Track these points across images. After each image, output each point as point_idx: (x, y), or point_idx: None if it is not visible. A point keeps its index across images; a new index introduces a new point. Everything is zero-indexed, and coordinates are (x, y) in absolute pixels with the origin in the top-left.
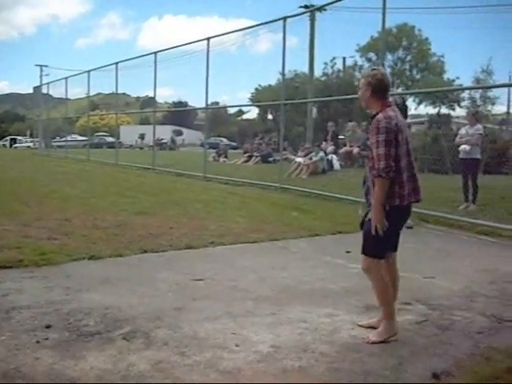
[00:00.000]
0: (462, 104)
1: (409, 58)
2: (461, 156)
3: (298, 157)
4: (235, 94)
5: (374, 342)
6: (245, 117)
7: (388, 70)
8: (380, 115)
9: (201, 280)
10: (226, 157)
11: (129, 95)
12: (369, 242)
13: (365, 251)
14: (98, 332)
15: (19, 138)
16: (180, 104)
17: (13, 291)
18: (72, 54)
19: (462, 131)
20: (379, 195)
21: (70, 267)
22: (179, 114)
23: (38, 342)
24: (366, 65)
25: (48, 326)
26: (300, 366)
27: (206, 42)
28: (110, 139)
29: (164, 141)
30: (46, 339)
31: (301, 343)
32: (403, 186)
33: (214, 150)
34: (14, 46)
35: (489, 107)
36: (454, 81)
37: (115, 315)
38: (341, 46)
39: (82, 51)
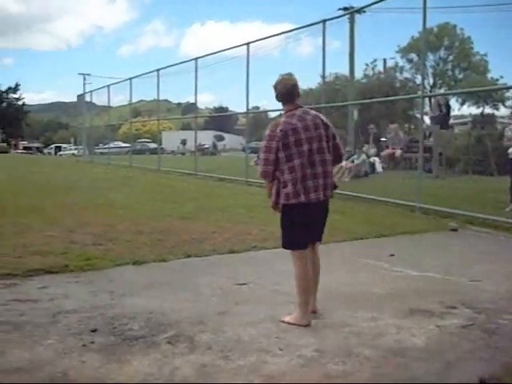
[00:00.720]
0: (507, 103)
1: (451, 57)
2: (510, 156)
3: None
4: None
5: (283, 321)
6: None
7: (430, 70)
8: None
9: (244, 284)
10: None
11: (170, 101)
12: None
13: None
14: (143, 336)
15: (64, 145)
16: (221, 109)
17: (59, 296)
18: (115, 63)
19: (508, 133)
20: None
21: (115, 272)
22: (220, 119)
23: (84, 345)
24: (407, 66)
25: (94, 330)
26: (344, 370)
27: (246, 47)
28: (152, 145)
29: (206, 146)
30: (92, 343)
31: (345, 347)
32: (286, 185)
33: (256, 155)
34: (60, 57)
35: None
36: (497, 80)
37: (159, 319)
38: (381, 47)
39: (125, 59)
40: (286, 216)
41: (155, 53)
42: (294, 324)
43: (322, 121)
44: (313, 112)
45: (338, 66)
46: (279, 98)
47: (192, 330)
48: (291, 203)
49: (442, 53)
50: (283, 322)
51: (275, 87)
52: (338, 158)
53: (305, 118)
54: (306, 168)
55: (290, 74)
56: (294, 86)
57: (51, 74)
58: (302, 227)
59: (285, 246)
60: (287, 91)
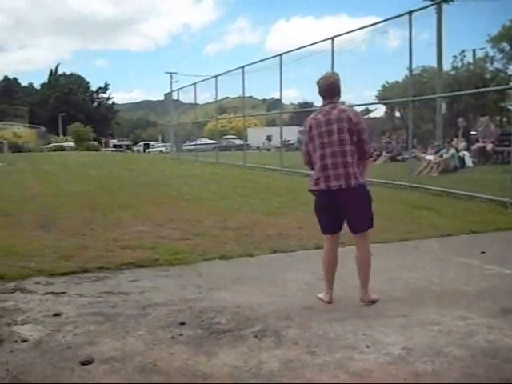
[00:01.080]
0: None
1: None
2: None
3: (428, 154)
4: (361, 92)
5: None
6: (371, 115)
7: None
8: None
9: None
10: None
11: (255, 98)
12: None
13: None
14: (230, 330)
15: (152, 143)
16: (306, 105)
17: (149, 289)
18: (202, 61)
19: None
20: None
21: (202, 266)
22: (305, 115)
23: (172, 337)
24: (498, 56)
25: (182, 323)
26: (433, 369)
27: (330, 41)
28: (238, 142)
29: (291, 142)
30: (181, 335)
31: (434, 346)
32: (319, 171)
33: None
34: (149, 56)
35: None
36: None
37: (246, 314)
38: (471, 37)
39: (211, 57)
40: (315, 201)
41: (240, 50)
42: (320, 299)
43: (348, 116)
44: (343, 107)
45: (426, 59)
46: (319, 93)
47: (278, 325)
48: (315, 189)
49: None
50: (318, 297)
51: (317, 83)
52: (361, 155)
53: (330, 112)
54: (327, 158)
55: (332, 73)
56: (332, 83)
57: (140, 74)
58: (324, 213)
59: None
60: (324, 88)
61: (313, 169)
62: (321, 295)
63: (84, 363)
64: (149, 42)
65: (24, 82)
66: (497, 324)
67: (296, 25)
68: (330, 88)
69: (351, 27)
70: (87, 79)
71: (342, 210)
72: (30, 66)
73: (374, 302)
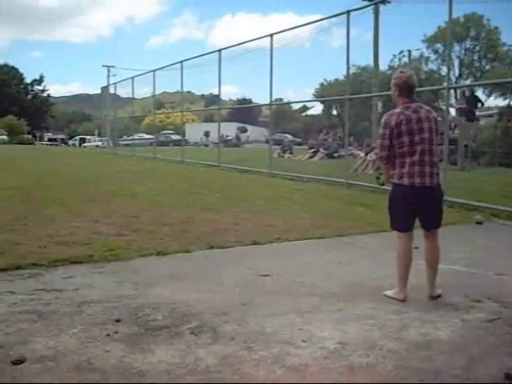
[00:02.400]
0: None
1: (477, 48)
2: None
3: (364, 152)
4: (300, 89)
5: (385, 295)
6: (309, 112)
7: (456, 61)
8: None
9: (267, 276)
10: (290, 153)
11: (193, 93)
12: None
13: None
14: (166, 326)
15: (88, 137)
16: (244, 101)
17: (84, 286)
18: (145, 55)
19: None
20: (384, 174)
21: (138, 263)
22: (243, 111)
23: (108, 335)
24: (433, 56)
25: (118, 320)
26: (368, 362)
27: (271, 38)
28: (176, 137)
29: (229, 138)
30: (116, 333)
31: (368, 340)
32: (397, 168)
33: (279, 147)
34: (89, 48)
35: None
36: None
37: (183, 310)
38: (407, 38)
39: (154, 51)
40: (392, 196)
41: (184, 45)
42: (392, 298)
43: (434, 117)
44: (426, 107)
45: (364, 58)
46: (396, 90)
47: (215, 321)
48: (398, 183)
49: (468, 43)
50: (385, 295)
51: (394, 79)
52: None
53: (419, 110)
54: (415, 155)
55: (408, 70)
56: (415, 81)
57: (79, 66)
58: (403, 210)
59: (391, 225)
60: (410, 85)
61: (385, 163)
62: (390, 293)
63: (15, 363)
64: (91, 34)
65: None
66: (429, 317)
67: (242, 21)
68: (414, 85)
69: (296, 24)
70: (24, 71)
71: (420, 207)
72: None
73: (440, 296)
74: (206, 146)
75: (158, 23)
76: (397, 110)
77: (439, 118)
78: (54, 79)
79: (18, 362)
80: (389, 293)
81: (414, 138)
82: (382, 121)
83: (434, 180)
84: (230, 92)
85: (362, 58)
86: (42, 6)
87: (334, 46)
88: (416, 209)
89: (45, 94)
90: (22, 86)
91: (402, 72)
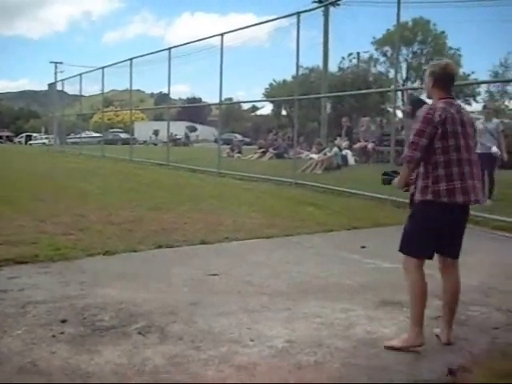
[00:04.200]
0: (478, 98)
1: (424, 51)
2: (478, 151)
3: (313, 152)
4: (250, 89)
5: (390, 347)
6: (259, 112)
7: (403, 64)
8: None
9: (215, 275)
10: (240, 152)
11: (143, 92)
12: (403, 238)
13: (400, 247)
14: (113, 327)
15: (34, 134)
16: (194, 100)
17: (29, 286)
18: (100, 51)
19: (480, 126)
20: (400, 177)
21: (85, 262)
22: (193, 110)
23: (53, 336)
24: (382, 59)
25: (63, 321)
26: (315, 360)
27: (221, 37)
28: (125, 135)
29: (178, 137)
30: (62, 333)
31: (316, 338)
32: (438, 181)
33: (228, 146)
34: (44, 44)
35: (506, 102)
36: (469, 75)
37: (130, 310)
38: (357, 40)
39: (110, 48)
40: (419, 215)
41: (142, 42)
42: (406, 346)
43: (473, 121)
44: (465, 109)
45: (314, 59)
46: (431, 80)
47: (163, 321)
48: (438, 201)
49: (415, 47)
50: (390, 347)
51: (433, 67)
52: None
53: (461, 111)
54: (465, 165)
55: (452, 62)
56: (455, 74)
57: (31, 62)
58: (434, 233)
59: (403, 249)
60: (451, 77)
61: (413, 169)
62: (401, 343)
63: None
64: (47, 29)
65: None
66: (376, 315)
67: (201, 20)
68: (453, 76)
69: (260, 26)
70: None
71: (452, 230)
72: None
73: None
74: (155, 144)
75: (115, 19)
76: (440, 105)
77: (385, 120)
78: (2, 75)
79: None
80: (399, 344)
81: (459, 142)
82: (421, 114)
83: (479, 196)
84: (181, 91)
85: (312, 59)
86: None
87: (286, 46)
88: (448, 232)
89: None
90: None
91: (443, 62)
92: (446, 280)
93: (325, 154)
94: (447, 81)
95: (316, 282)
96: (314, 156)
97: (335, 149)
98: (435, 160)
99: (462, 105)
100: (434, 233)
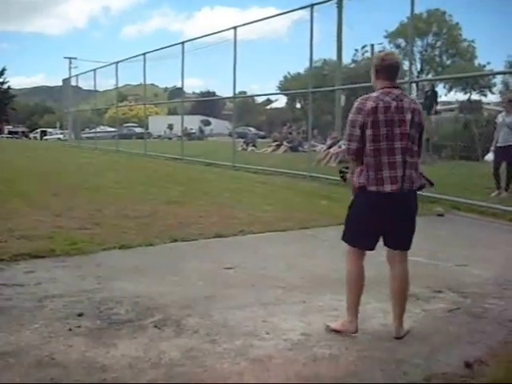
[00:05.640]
0: (494, 90)
1: (439, 43)
2: (499, 144)
3: (327, 145)
4: (264, 83)
5: (333, 329)
6: (273, 106)
7: (417, 56)
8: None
9: (231, 268)
10: (254, 146)
11: (157, 86)
12: (344, 226)
13: (342, 235)
14: (129, 320)
15: (49, 130)
16: (208, 94)
17: (45, 280)
18: (119, 46)
19: (499, 119)
20: (350, 171)
21: (101, 256)
22: (207, 104)
23: (70, 329)
24: (395, 51)
25: (80, 315)
26: (331, 354)
27: (234, 31)
28: (139, 130)
29: (192, 131)
30: (79, 327)
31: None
32: (368, 169)
33: (242, 140)
34: (63, 39)
35: None
36: (484, 66)
37: (146, 304)
38: (371, 32)
39: (129, 42)
40: (354, 202)
41: (161, 36)
42: (340, 331)
43: (419, 109)
44: (411, 97)
45: (328, 52)
46: (374, 72)
47: (179, 314)
48: (369, 190)
49: (430, 39)
50: (330, 328)
51: (374, 60)
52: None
53: (402, 98)
54: (395, 154)
55: (392, 52)
56: (398, 63)
57: (49, 58)
58: (369, 223)
59: (343, 237)
60: (394, 67)
61: (354, 159)
62: (337, 325)
63: None
64: (66, 25)
65: None
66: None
67: (220, 14)
68: (394, 65)
69: (275, 19)
70: None
71: (390, 220)
72: None
73: (407, 333)
74: (170, 138)
75: (134, 14)
76: (374, 94)
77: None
78: (19, 71)
79: None
80: (334, 325)
81: (392, 130)
82: (354, 105)
83: (413, 185)
84: (195, 85)
85: (326, 51)
86: None
87: (300, 39)
88: (386, 223)
89: (5, 86)
90: None
91: (385, 53)
92: (391, 272)
93: (339, 147)
94: (387, 71)
95: (331, 275)
96: (328, 148)
97: None
98: (366, 148)
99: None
100: (367, 222)
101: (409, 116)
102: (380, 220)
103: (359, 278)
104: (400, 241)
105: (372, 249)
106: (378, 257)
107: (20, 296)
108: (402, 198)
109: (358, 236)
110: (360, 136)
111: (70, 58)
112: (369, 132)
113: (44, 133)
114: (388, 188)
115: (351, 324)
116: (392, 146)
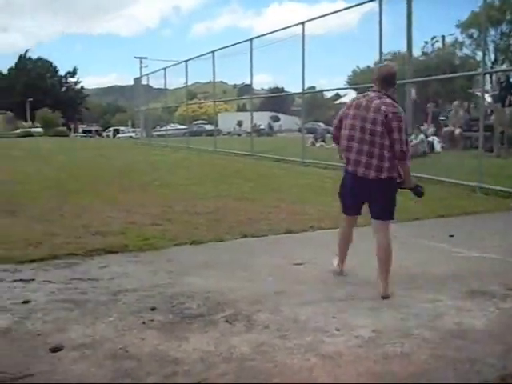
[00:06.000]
0: None
1: None
2: None
3: None
4: (332, 77)
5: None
6: (342, 100)
7: (491, 46)
8: None
9: (300, 264)
10: (323, 141)
11: (226, 83)
12: None
13: None
14: (201, 314)
15: (121, 128)
16: (276, 90)
17: (119, 275)
18: (189, 44)
19: None
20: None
21: (173, 252)
22: (276, 100)
23: (143, 323)
24: (467, 41)
25: (153, 309)
26: (402, 351)
27: (302, 26)
28: (209, 127)
29: (261, 127)
30: (152, 321)
31: (403, 328)
32: (344, 151)
33: (312, 135)
34: (134, 40)
35: None
36: None
37: (217, 298)
38: (441, 23)
39: (199, 41)
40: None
41: (230, 33)
42: (333, 270)
43: (385, 110)
44: (386, 100)
45: (397, 44)
46: (372, 80)
47: (249, 310)
48: (345, 169)
49: (504, 27)
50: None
51: (379, 69)
52: (395, 154)
53: (372, 100)
54: (354, 142)
55: (387, 63)
56: (384, 73)
57: (120, 58)
58: (344, 194)
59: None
60: (374, 72)
61: (337, 144)
62: (335, 263)
63: (54, 350)
64: (136, 26)
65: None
66: (465, 305)
67: (290, 9)
68: (379, 74)
69: (344, 13)
70: (67, 64)
71: (359, 195)
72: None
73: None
74: (239, 135)
75: (203, 12)
76: (357, 95)
77: (472, 105)
78: (92, 72)
79: (56, 349)
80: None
81: (356, 123)
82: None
83: (370, 171)
84: (263, 81)
85: (395, 44)
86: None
87: (368, 32)
88: (355, 196)
89: (78, 86)
90: (56, 79)
91: (384, 64)
92: (375, 238)
93: (410, 142)
94: (376, 78)
95: (402, 271)
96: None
97: (421, 135)
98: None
99: None
100: (346, 194)
101: (371, 114)
102: (352, 194)
103: (345, 235)
104: (374, 212)
105: (354, 215)
106: (453, 254)
107: (95, 290)
108: (362, 179)
109: (343, 206)
110: (338, 125)
111: (140, 58)
112: (343, 122)
113: (117, 131)
114: (349, 168)
115: (338, 267)
116: (353, 134)
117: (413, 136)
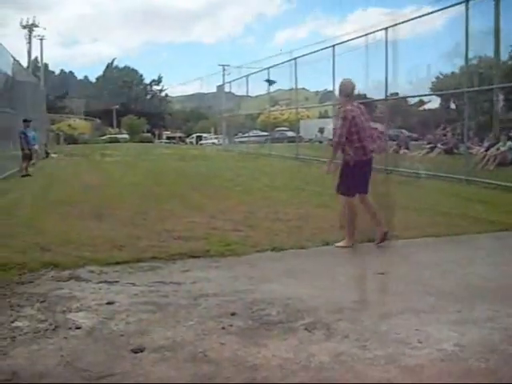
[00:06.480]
0: None
1: None
2: None
3: (485, 147)
4: (416, 83)
5: (338, 246)
6: (426, 107)
7: None
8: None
9: (382, 274)
10: (407, 148)
11: (308, 90)
12: None
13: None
14: (280, 321)
15: (204, 135)
16: (358, 96)
17: (200, 279)
18: (272, 52)
19: None
20: None
21: (254, 258)
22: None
23: (223, 328)
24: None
25: (233, 314)
26: (487, 367)
27: (385, 32)
28: (290, 134)
29: None
30: (231, 326)
31: (488, 343)
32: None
33: (395, 142)
34: (216, 48)
35: None
36: None
37: (297, 306)
38: None
39: (282, 48)
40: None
41: (314, 40)
42: (343, 246)
43: (341, 115)
44: (345, 108)
45: (482, 49)
46: (348, 93)
47: (329, 318)
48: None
49: None
50: (336, 245)
51: (345, 85)
52: None
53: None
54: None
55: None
56: (353, 87)
57: (202, 66)
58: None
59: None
60: (350, 90)
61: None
62: (340, 244)
63: (135, 351)
64: (220, 33)
65: (81, 76)
66: None
67: (374, 16)
68: (352, 90)
69: (429, 18)
70: (154, 73)
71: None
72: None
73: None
74: (321, 142)
75: (287, 19)
76: (351, 107)
77: None
78: (176, 79)
79: (138, 350)
80: (342, 244)
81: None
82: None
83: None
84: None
85: (481, 48)
86: (175, 8)
87: (453, 37)
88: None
89: (163, 94)
90: (142, 87)
91: (347, 80)
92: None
93: (498, 149)
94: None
95: (487, 284)
96: (487, 151)
97: (509, 143)
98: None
99: None
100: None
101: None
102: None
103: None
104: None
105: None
106: None
107: (176, 293)
108: None
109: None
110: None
111: (223, 65)
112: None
113: (199, 138)
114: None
115: (350, 241)
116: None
117: (500, 143)
